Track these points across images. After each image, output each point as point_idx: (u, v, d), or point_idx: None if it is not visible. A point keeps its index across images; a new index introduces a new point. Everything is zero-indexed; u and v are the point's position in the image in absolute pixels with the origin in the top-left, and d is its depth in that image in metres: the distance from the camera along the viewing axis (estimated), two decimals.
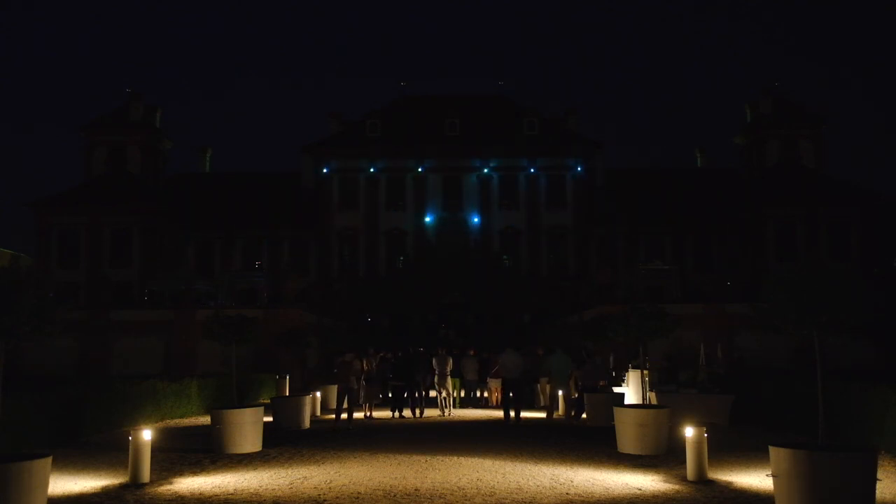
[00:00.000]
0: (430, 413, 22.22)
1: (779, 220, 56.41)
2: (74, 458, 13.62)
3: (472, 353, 25.96)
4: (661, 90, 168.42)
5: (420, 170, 61.87)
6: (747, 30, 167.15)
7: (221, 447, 14.16)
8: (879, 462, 9.72)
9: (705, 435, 11.02)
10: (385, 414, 22.33)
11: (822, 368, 9.29)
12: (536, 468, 12.18)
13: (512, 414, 19.04)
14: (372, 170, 62.61)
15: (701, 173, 68.87)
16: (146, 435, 11.19)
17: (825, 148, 63.51)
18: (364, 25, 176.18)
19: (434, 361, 22.33)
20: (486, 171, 62.39)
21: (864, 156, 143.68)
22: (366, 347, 25.16)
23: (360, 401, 21.05)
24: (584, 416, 19.81)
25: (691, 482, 10.85)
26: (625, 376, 23.43)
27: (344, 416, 18.99)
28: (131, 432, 11.33)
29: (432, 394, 23.31)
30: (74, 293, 53.21)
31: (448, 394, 22.31)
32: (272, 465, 12.78)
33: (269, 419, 17.95)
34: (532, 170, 62.38)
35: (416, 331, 47.08)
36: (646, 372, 17.77)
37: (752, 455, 13.03)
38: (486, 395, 25.73)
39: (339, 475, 11.71)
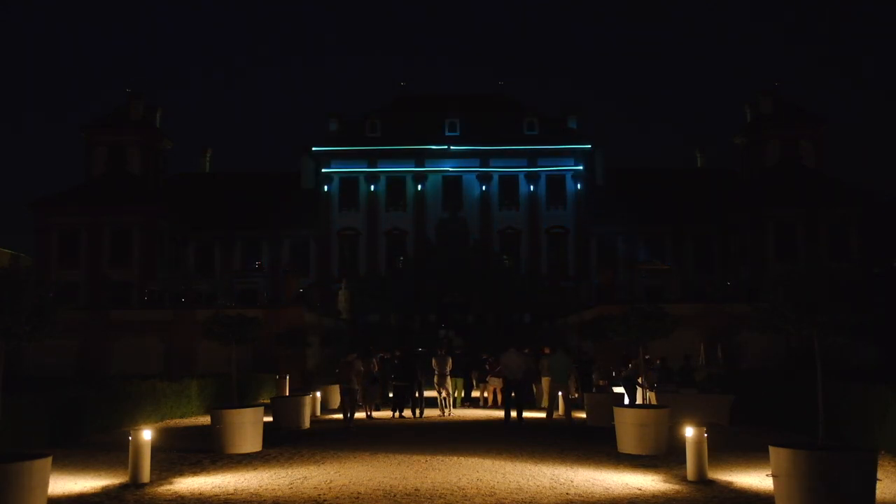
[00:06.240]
0: (430, 413, 22.22)
1: (779, 220, 56.42)
2: (74, 458, 13.61)
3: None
4: (661, 90, 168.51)
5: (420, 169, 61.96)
6: (747, 30, 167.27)
7: (221, 447, 14.15)
8: (879, 462, 9.72)
9: (705, 435, 11.02)
10: (385, 414, 22.33)
11: (821, 368, 9.30)
12: (536, 468, 12.18)
13: (514, 414, 19.04)
14: (372, 170, 62.65)
15: (701, 173, 68.88)
16: (146, 435, 11.19)
17: (825, 148, 63.52)
18: (364, 25, 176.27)
19: (434, 361, 22.31)
20: (485, 171, 62.44)
21: (864, 156, 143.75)
22: (370, 348, 25.11)
23: (360, 401, 21.05)
24: (572, 414, 19.86)
25: (691, 482, 10.85)
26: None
27: (348, 415, 18.94)
28: (131, 432, 11.33)
29: (432, 394, 23.30)
30: (74, 293, 53.18)
31: (448, 394, 22.30)
32: (272, 465, 12.77)
33: (269, 419, 17.95)
34: (532, 170, 62.40)
35: (416, 331, 47.10)
36: (648, 372, 17.78)
37: (752, 455, 13.03)
38: (485, 395, 25.73)
39: (339, 475, 11.71)
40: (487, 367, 25.61)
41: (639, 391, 20.13)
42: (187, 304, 40.16)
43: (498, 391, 24.20)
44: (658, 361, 22.45)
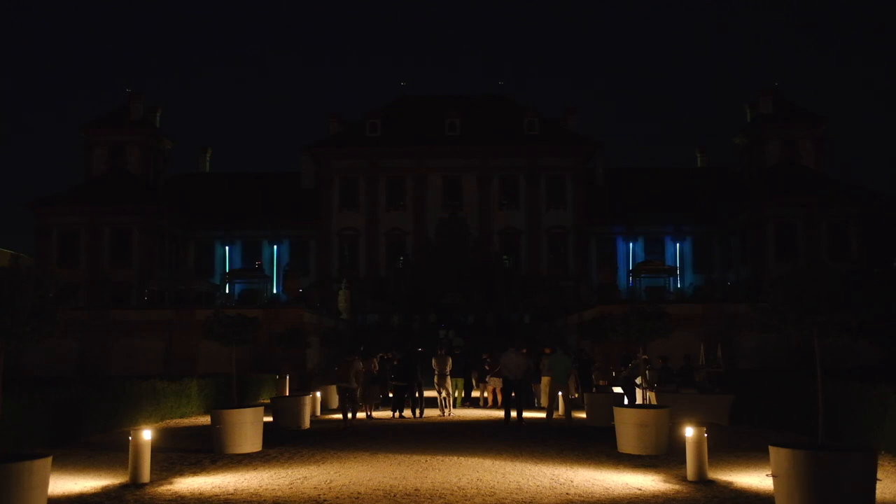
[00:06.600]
0: (430, 413, 22.22)
1: (779, 220, 56.39)
2: (74, 458, 13.61)
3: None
4: (660, 90, 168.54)
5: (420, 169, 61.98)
6: (747, 30, 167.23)
7: (221, 447, 14.15)
8: (879, 462, 9.72)
9: (705, 435, 11.02)
10: (385, 414, 22.33)
11: (821, 368, 9.30)
12: (536, 468, 12.18)
13: (513, 414, 19.02)
14: (372, 170, 62.63)
15: (701, 173, 68.87)
16: (146, 435, 11.19)
17: (825, 148, 63.55)
18: (364, 25, 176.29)
19: (434, 361, 22.31)
20: (485, 171, 62.44)
21: (864, 156, 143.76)
22: (361, 349, 25.08)
23: (360, 401, 21.04)
24: (572, 414, 19.90)
25: (691, 482, 10.85)
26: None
27: (349, 415, 18.93)
28: (131, 432, 11.33)
29: (432, 393, 23.30)
30: (74, 293, 53.18)
31: (448, 394, 22.29)
32: (272, 465, 12.77)
33: (269, 419, 17.95)
34: (532, 170, 62.39)
35: (416, 331, 47.09)
36: (647, 372, 17.77)
37: (752, 455, 13.03)
38: (485, 395, 25.71)
39: (339, 475, 11.71)
40: (487, 367, 25.60)
41: (638, 391, 20.14)
42: (187, 304, 40.13)
43: (497, 391, 24.18)
44: (661, 362, 22.46)
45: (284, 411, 18.81)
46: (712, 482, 10.87)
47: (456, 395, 25.00)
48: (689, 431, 11.00)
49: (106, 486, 10.99)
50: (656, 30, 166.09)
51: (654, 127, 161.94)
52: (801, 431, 15.35)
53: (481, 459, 13.06)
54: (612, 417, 14.49)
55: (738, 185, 63.12)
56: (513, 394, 19.35)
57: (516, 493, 10.18)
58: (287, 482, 11.22)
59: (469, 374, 26.65)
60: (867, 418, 13.59)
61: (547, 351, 22.66)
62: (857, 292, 8.78)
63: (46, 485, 8.73)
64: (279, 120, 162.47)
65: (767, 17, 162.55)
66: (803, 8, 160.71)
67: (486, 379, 25.17)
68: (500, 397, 23.51)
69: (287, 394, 24.50)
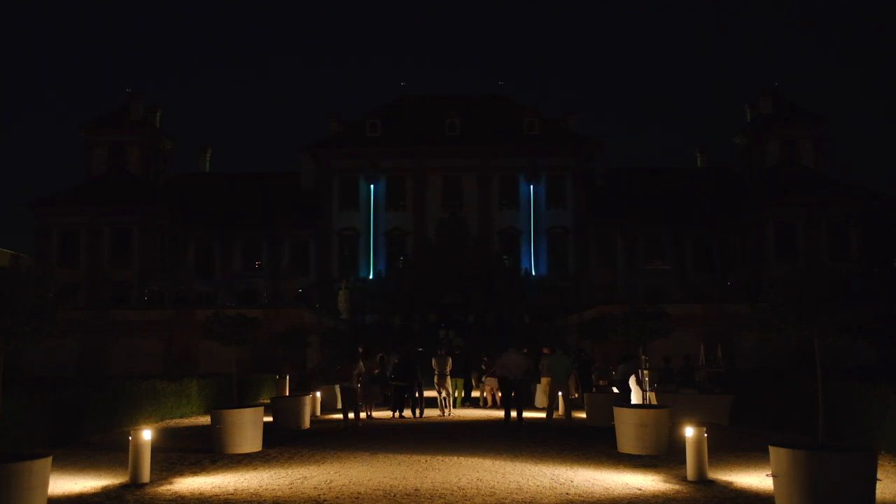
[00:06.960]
0: (430, 413, 22.22)
1: (779, 220, 56.38)
2: (74, 458, 13.61)
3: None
4: (660, 90, 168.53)
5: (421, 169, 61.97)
6: (747, 30, 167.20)
7: (221, 447, 14.15)
8: (879, 462, 9.72)
9: (705, 435, 11.02)
10: (385, 414, 22.33)
11: (821, 368, 9.30)
12: (536, 468, 12.17)
13: (513, 414, 19.02)
14: (372, 170, 62.63)
15: (701, 173, 68.86)
16: (146, 435, 11.19)
17: (825, 148, 63.54)
18: (364, 25, 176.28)
19: (434, 361, 22.31)
20: (485, 171, 62.41)
21: (864, 156, 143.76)
22: (359, 350, 25.03)
23: (361, 401, 21.04)
24: (572, 414, 19.92)
25: (691, 482, 10.84)
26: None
27: (351, 415, 18.93)
28: (131, 432, 11.33)
29: (432, 393, 23.29)
30: (74, 293, 53.17)
31: (448, 394, 22.29)
32: (272, 465, 12.77)
33: (269, 419, 17.94)
34: (532, 170, 62.39)
35: (416, 331, 47.09)
36: (646, 372, 17.74)
37: (752, 455, 13.03)
38: (485, 395, 25.71)
39: (339, 475, 11.71)
40: (483, 367, 25.60)
41: (634, 392, 20.11)
42: (187, 304, 40.14)
43: (495, 391, 24.15)
44: (665, 363, 22.50)
45: (284, 411, 18.80)
46: (712, 482, 10.87)
47: (456, 395, 24.99)
48: (689, 431, 11.00)
49: (106, 486, 10.99)
50: (656, 30, 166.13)
51: (654, 127, 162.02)
52: (801, 431, 15.35)
53: (481, 459, 13.06)
54: (612, 417, 14.49)
55: (738, 185, 63.08)
56: (512, 394, 19.35)
57: (516, 493, 10.18)
58: (287, 482, 11.22)
59: (469, 374, 26.67)
60: (867, 418, 13.59)
61: (546, 351, 22.65)
62: (857, 292, 8.78)
63: (46, 485, 8.73)
64: (279, 120, 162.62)
65: (767, 17, 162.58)
66: (803, 8, 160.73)
67: (483, 379, 25.20)
68: (498, 397, 23.50)
69: (287, 394, 24.50)
